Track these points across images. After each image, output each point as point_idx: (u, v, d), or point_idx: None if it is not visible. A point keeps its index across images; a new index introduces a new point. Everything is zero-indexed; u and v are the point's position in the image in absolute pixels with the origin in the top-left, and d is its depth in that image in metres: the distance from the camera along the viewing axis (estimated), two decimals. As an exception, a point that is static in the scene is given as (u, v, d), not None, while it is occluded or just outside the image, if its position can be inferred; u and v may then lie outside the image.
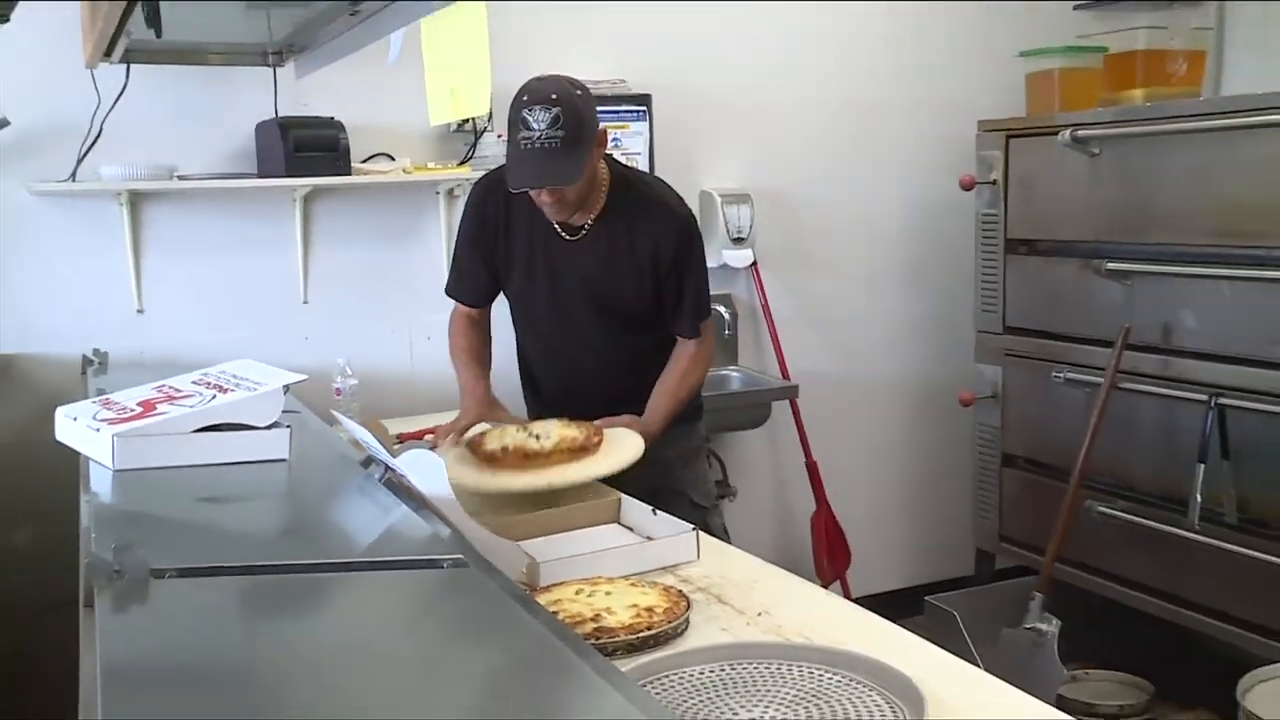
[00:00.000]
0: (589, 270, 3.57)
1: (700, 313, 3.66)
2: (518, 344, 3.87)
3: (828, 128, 5.41)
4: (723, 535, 3.48)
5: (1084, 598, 4.59)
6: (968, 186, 4.97)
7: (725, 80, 5.16)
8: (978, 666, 2.19)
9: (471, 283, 3.77)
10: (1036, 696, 2.02)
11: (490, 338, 3.84)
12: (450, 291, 3.83)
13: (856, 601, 2.65)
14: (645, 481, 3.25)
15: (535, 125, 3.22)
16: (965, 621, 4.45)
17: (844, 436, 5.54)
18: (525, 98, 3.28)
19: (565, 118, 3.23)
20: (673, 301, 3.60)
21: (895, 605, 3.47)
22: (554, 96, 3.25)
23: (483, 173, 4.47)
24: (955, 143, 5.27)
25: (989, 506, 5.17)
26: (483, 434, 3.27)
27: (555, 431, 3.20)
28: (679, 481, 3.68)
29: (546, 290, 3.65)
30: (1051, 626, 4.27)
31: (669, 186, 3.70)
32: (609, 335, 3.66)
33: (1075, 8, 5.30)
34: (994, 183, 4.91)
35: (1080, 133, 4.47)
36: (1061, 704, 3.92)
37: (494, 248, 3.66)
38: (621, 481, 3.23)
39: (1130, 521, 4.41)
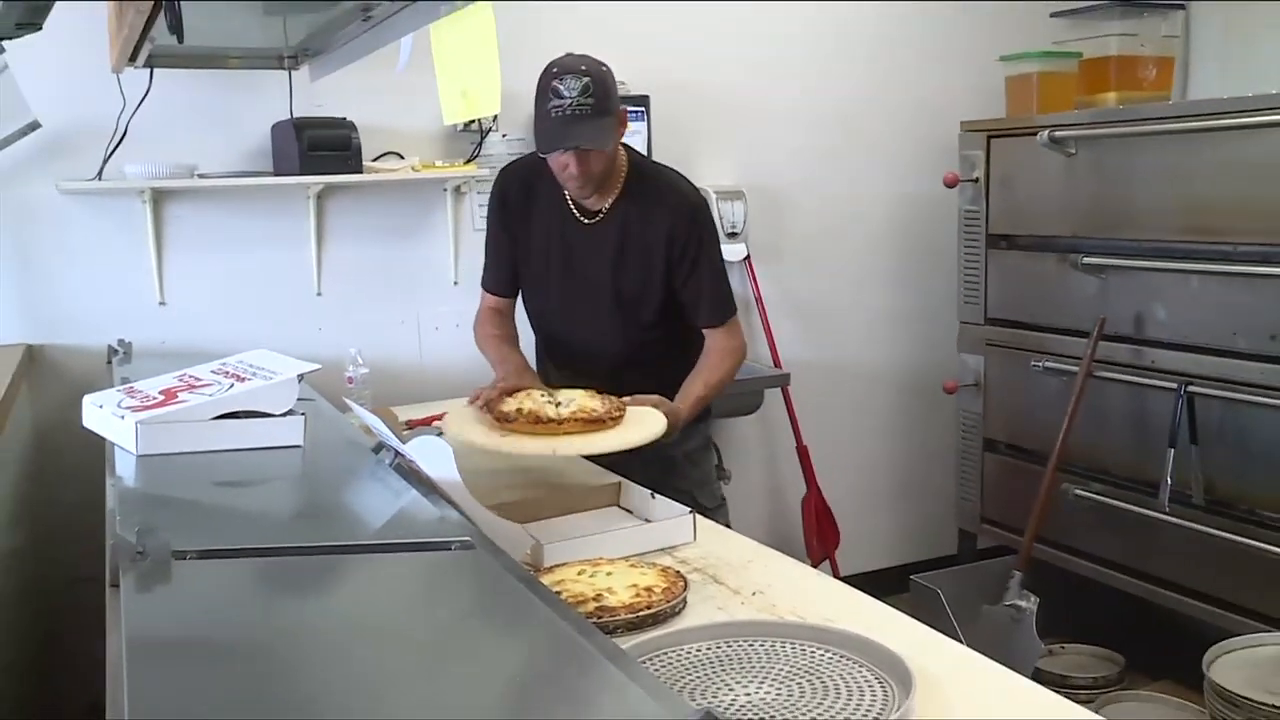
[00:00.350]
0: (604, 255, 3.51)
1: (720, 301, 3.57)
2: (535, 337, 3.81)
3: (819, 128, 5.39)
4: None
5: (1060, 576, 4.59)
6: (951, 184, 4.96)
7: (721, 82, 5.13)
8: (960, 642, 2.19)
9: (496, 267, 3.72)
10: (1016, 670, 2.01)
11: (516, 331, 3.77)
12: (483, 282, 3.78)
13: (844, 580, 2.65)
14: (651, 480, 3.13)
15: (566, 93, 3.20)
16: (948, 599, 4.44)
17: (833, 422, 5.53)
18: (555, 69, 3.25)
19: (595, 87, 3.21)
20: (691, 292, 3.52)
21: (881, 584, 3.46)
22: (583, 68, 3.24)
23: (489, 170, 4.51)
24: (939, 142, 5.27)
25: (971, 489, 5.16)
26: (503, 395, 3.20)
27: (576, 401, 3.10)
28: (685, 481, 3.57)
29: (561, 276, 3.58)
30: (1030, 603, 4.27)
31: (682, 176, 3.65)
32: (623, 326, 3.58)
33: (1052, 15, 5.29)
34: (976, 180, 4.90)
35: (1057, 133, 4.46)
36: (1039, 677, 3.91)
37: (515, 231, 3.62)
38: (627, 477, 3.17)
39: (1104, 503, 4.41)
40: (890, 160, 5.54)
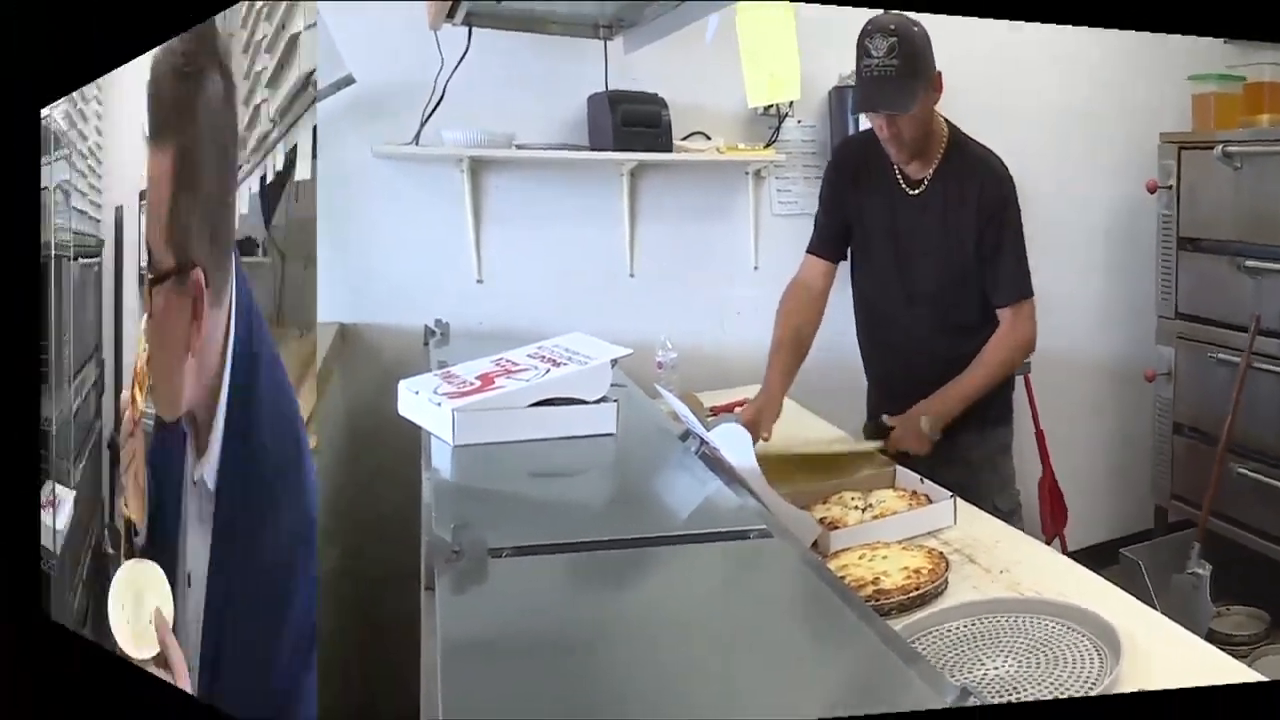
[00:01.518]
0: (928, 225, 3.26)
1: (1012, 280, 3.26)
2: (855, 320, 3.53)
3: (1043, 138, 5.07)
4: None
5: (1222, 544, 4.59)
6: (1152, 190, 4.97)
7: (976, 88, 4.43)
8: (1156, 610, 2.26)
9: (824, 229, 3.44)
10: (1192, 631, 2.10)
11: (811, 329, 3.39)
12: (808, 246, 3.47)
13: (1071, 555, 2.64)
14: (954, 482, 2.91)
15: (874, 53, 2.98)
16: (1147, 569, 4.46)
17: (1066, 410, 5.30)
18: (869, 26, 3.03)
19: (901, 48, 2.97)
20: (990, 265, 3.23)
21: (1099, 557, 3.39)
22: (892, 27, 2.99)
23: (785, 156, 4.45)
24: (1139, 153, 5.12)
25: (1163, 469, 5.16)
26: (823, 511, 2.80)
27: (886, 504, 2.79)
28: (983, 486, 3.28)
29: (886, 244, 3.34)
30: (1205, 570, 4.28)
31: (992, 151, 3.33)
32: (937, 298, 3.31)
33: (1225, 41, 5.17)
34: (1170, 187, 4.90)
35: (1228, 149, 4.51)
36: (1211, 636, 3.90)
37: (847, 198, 3.38)
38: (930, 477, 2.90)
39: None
40: (1106, 164, 5.36)
